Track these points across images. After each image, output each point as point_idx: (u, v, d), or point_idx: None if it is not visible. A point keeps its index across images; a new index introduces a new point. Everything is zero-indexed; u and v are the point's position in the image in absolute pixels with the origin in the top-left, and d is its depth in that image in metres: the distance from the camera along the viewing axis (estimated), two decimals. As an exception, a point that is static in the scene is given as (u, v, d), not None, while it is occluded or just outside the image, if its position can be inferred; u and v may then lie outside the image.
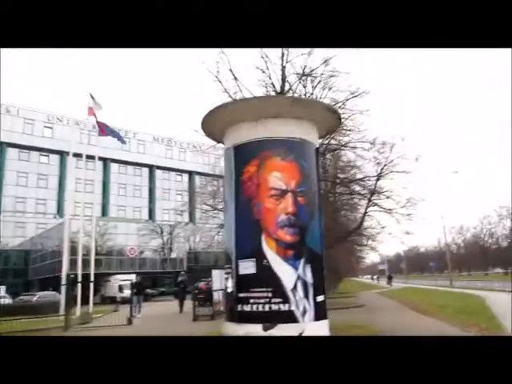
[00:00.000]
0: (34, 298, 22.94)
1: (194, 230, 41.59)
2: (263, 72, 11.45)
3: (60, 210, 46.10)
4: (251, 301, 3.94)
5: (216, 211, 17.16)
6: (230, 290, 4.17)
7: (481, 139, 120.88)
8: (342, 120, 15.65)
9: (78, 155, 18.84)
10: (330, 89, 14.90)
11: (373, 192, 14.20)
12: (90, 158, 19.51)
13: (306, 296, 3.96)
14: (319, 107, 4.32)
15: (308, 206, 4.15)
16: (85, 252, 17.68)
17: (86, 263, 16.38)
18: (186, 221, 43.22)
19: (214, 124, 4.51)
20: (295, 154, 4.19)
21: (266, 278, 3.94)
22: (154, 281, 38.16)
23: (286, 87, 12.26)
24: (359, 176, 14.96)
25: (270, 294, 3.88)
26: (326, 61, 11.40)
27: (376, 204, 14.42)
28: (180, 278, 19.30)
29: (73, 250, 20.85)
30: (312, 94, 15.19)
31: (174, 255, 41.76)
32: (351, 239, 25.46)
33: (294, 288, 3.94)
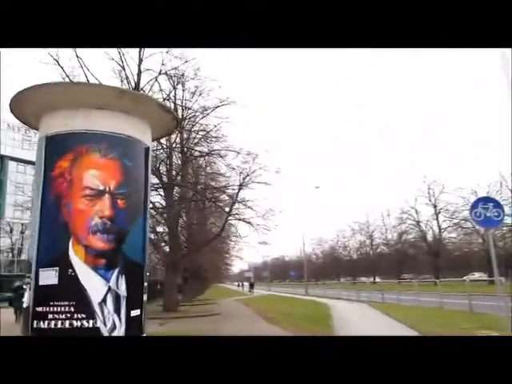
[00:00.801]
0: None
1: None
2: (120, 65, 10.75)
3: None
4: (49, 316, 3.38)
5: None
6: (25, 305, 3.54)
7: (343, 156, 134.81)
8: (212, 127, 15.96)
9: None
10: (200, 94, 14.82)
11: (234, 201, 14.41)
12: None
13: (118, 310, 3.54)
14: (151, 103, 3.99)
15: (129, 211, 3.76)
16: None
17: None
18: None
19: (26, 107, 3.85)
20: (119, 151, 3.77)
21: (70, 290, 3.42)
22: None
23: (144, 85, 11.75)
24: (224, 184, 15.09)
25: (72, 309, 3.38)
26: (186, 61, 11.29)
27: (236, 213, 14.66)
28: (17, 283, 16.83)
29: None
30: (182, 97, 14.91)
31: (24, 257, 37.32)
32: (219, 246, 25.68)
33: (103, 302, 3.50)
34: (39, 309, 3.42)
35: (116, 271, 3.59)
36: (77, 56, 10.35)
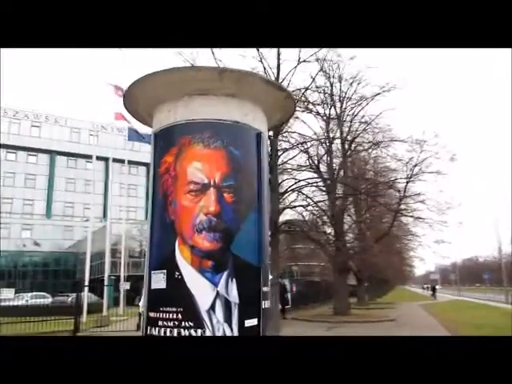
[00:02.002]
0: (69, 299, 23.31)
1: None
2: (259, 60, 10.60)
3: (106, 214, 47.60)
4: (159, 323, 3.15)
5: None
6: (141, 310, 3.39)
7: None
8: (373, 117, 14.65)
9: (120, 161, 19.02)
10: (358, 83, 13.85)
11: (402, 196, 12.85)
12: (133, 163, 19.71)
13: (228, 319, 3.09)
14: (256, 81, 3.44)
15: (238, 205, 3.29)
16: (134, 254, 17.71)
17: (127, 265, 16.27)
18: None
19: (137, 104, 3.78)
20: (224, 140, 3.35)
21: (177, 295, 3.13)
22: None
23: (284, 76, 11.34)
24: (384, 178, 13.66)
25: (179, 316, 3.08)
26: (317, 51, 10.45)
27: (405, 209, 13.03)
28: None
29: (113, 253, 21.11)
30: (339, 89, 14.18)
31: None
32: (397, 246, 23.85)
33: (212, 309, 3.09)
34: (151, 314, 3.23)
35: (225, 274, 3.14)
36: (214, 58, 10.64)
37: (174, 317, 3.08)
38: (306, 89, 11.39)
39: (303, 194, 12.42)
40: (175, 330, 3.06)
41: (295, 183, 12.23)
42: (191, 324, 3.03)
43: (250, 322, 3.19)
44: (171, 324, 3.08)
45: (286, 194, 12.44)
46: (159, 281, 3.24)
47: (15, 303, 21.25)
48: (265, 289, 3.41)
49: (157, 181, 3.48)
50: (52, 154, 46.24)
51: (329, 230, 18.34)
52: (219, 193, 3.24)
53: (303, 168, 13.01)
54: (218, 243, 3.18)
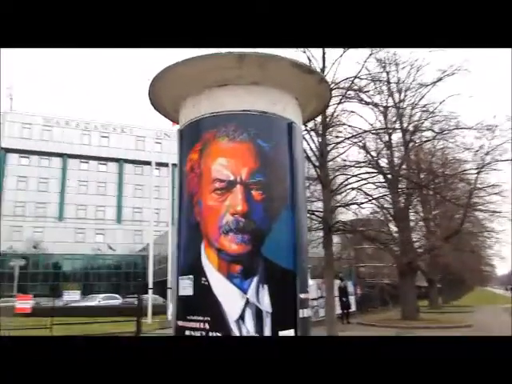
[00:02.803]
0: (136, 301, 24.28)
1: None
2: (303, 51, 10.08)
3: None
4: (187, 333, 2.93)
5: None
6: (169, 317, 3.20)
7: None
8: (436, 104, 13.52)
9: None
10: (417, 70, 12.94)
11: (473, 188, 11.70)
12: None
13: (260, 330, 2.80)
14: (281, 65, 3.09)
15: (268, 203, 2.99)
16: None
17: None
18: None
19: (162, 100, 3.60)
20: (250, 132, 3.06)
21: (204, 302, 2.89)
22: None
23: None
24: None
25: (207, 326, 2.83)
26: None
27: (476, 202, 11.85)
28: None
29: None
30: (397, 78, 13.39)
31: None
32: (472, 244, 22.15)
33: (241, 318, 2.81)
34: (180, 323, 3.03)
35: (255, 280, 2.85)
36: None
37: (202, 326, 2.84)
38: (355, 77, 10.73)
39: (361, 190, 11.76)
40: (202, 341, 2.81)
41: (347, 179, 11.58)
42: (219, 334, 2.78)
43: (286, 333, 2.86)
44: (198, 334, 2.85)
45: (343, 192, 11.86)
46: (186, 287, 3.01)
47: (88, 303, 22.65)
48: (302, 296, 3.06)
49: (183, 180, 3.27)
50: (120, 161, 48.93)
51: (392, 228, 17.34)
52: (247, 190, 2.95)
53: (361, 164, 12.33)
54: (247, 246, 2.88)
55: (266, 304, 2.83)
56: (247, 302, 2.82)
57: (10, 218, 42.93)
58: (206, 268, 2.92)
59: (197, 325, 2.87)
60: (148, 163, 48.00)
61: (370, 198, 12.42)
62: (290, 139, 3.21)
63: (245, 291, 2.82)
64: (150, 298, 14.44)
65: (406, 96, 14.52)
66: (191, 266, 3.02)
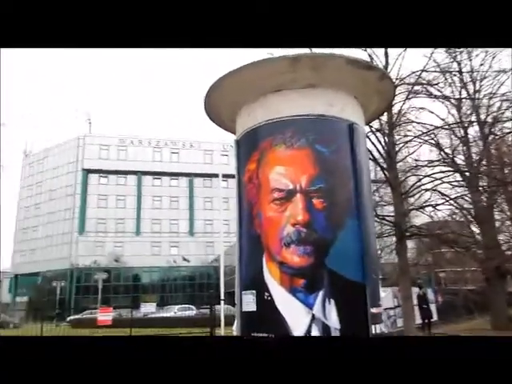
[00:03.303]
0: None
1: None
2: (364, 50, 9.57)
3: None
4: (252, 350, 2.80)
5: None
6: (235, 333, 3.11)
7: None
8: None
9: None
10: (493, 57, 11.95)
11: None
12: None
13: (329, 348, 2.59)
14: (336, 63, 2.91)
15: (331, 211, 2.81)
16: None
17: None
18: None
19: (219, 113, 3.57)
20: (308, 137, 2.91)
21: (267, 318, 2.76)
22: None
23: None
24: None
25: (272, 343, 2.68)
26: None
27: None
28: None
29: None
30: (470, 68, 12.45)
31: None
32: None
33: (307, 335, 2.64)
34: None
35: (320, 294, 2.67)
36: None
37: (266, 344, 2.70)
38: (422, 70, 10.04)
39: (436, 191, 10.94)
40: (268, 360, 2.66)
41: (419, 180, 10.82)
42: (285, 353, 2.61)
43: (357, 352, 2.62)
44: (264, 352, 2.71)
45: (416, 194, 11.12)
46: (249, 302, 2.91)
47: (165, 314, 23.51)
48: (374, 310, 2.82)
49: (242, 192, 3.19)
50: (190, 176, 50.73)
51: (474, 229, 15.98)
52: (307, 199, 2.79)
53: (434, 163, 11.51)
54: (310, 257, 2.72)
55: (333, 320, 2.64)
56: (313, 318, 2.64)
57: (93, 234, 46.26)
58: (268, 282, 2.79)
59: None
60: (216, 176, 49.57)
61: (447, 199, 11.50)
62: (352, 141, 3.00)
63: (310, 306, 2.65)
64: (222, 309, 14.58)
65: (481, 86, 13.36)
66: (253, 280, 2.91)
